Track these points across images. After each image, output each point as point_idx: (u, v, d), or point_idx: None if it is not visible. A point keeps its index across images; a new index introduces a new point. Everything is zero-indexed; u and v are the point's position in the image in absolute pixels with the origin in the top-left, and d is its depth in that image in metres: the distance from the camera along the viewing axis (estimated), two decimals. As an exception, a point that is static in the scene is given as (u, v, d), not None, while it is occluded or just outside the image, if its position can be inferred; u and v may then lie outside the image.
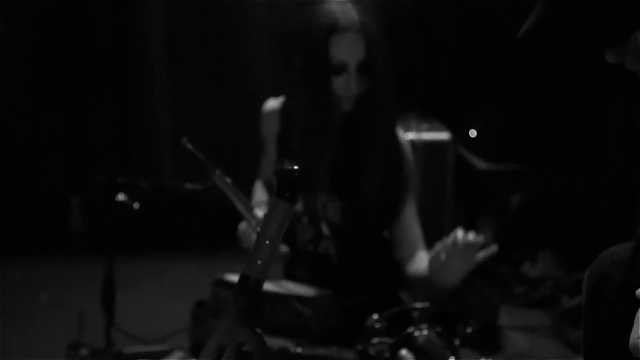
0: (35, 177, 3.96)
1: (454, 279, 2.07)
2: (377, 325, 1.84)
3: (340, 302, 2.08)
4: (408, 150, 2.26)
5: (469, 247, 2.03)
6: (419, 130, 3.43)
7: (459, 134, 3.55)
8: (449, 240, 2.03)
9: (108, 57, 4.05)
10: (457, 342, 1.86)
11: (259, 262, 1.22)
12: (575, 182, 3.45)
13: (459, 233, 2.02)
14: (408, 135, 3.46)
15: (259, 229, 2.05)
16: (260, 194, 2.34)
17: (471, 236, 2.04)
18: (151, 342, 2.52)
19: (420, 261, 2.21)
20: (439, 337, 1.84)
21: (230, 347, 1.22)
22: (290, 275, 2.31)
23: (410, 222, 2.27)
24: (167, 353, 2.41)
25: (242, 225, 2.14)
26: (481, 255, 2.05)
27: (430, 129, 3.47)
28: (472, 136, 3.64)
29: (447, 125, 3.56)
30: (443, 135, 3.42)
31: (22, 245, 3.73)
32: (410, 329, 1.84)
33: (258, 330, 1.72)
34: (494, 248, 2.06)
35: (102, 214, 2.35)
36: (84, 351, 2.37)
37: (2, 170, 3.92)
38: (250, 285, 1.21)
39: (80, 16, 4.04)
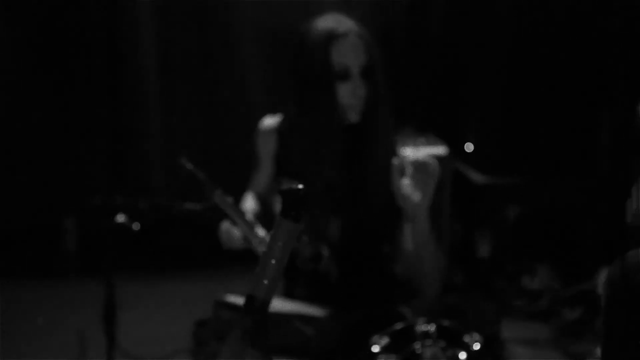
0: (29, 198, 3.93)
1: (420, 201, 2.03)
2: (381, 343, 1.83)
3: (341, 321, 2.07)
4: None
5: (422, 165, 2.02)
6: (415, 144, 3.44)
7: (456, 148, 3.56)
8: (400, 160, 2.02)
9: (103, 75, 4.03)
10: (462, 356, 1.85)
11: (265, 282, 1.22)
12: (572, 194, 3.46)
13: (408, 151, 2.04)
14: (405, 150, 3.47)
15: (261, 248, 2.07)
16: (249, 202, 2.32)
17: (420, 153, 2.04)
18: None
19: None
20: (444, 352, 1.83)
21: (237, 368, 1.22)
22: (290, 294, 2.30)
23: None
24: (168, 374, 2.41)
25: (224, 225, 2.12)
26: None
27: (426, 144, 3.47)
28: (468, 150, 3.65)
29: (443, 139, 3.57)
30: (439, 150, 3.42)
31: (17, 267, 3.71)
32: (415, 345, 1.83)
33: (266, 353, 1.73)
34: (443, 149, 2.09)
35: (100, 235, 2.34)
36: (84, 373, 2.36)
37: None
38: (256, 305, 1.21)
39: (74, 37, 4.03)
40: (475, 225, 3.71)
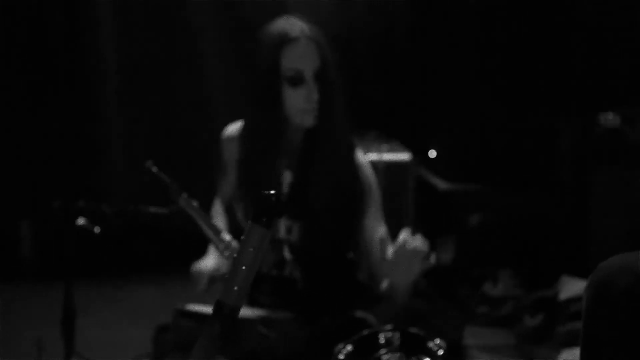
0: None
1: (402, 282, 2.04)
2: (345, 351, 1.83)
3: (306, 326, 2.07)
4: (366, 166, 2.24)
5: (415, 251, 1.99)
6: (379, 150, 3.45)
7: (419, 155, 3.58)
8: (398, 241, 1.99)
9: (66, 74, 3.96)
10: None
11: (235, 289, 1.20)
12: (533, 201, 3.50)
13: (405, 235, 1.98)
14: (369, 156, 3.48)
15: (227, 253, 2.06)
16: (218, 209, 2.32)
17: (417, 241, 1.99)
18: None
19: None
20: (409, 359, 1.83)
21: (205, 375, 1.20)
22: (253, 302, 2.28)
23: (376, 228, 2.23)
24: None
25: (195, 266, 2.11)
26: (424, 264, 2.00)
27: (390, 150, 3.49)
28: (432, 156, 3.68)
29: (407, 145, 3.59)
30: (403, 156, 3.44)
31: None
32: (380, 353, 1.83)
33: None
34: (432, 259, 2.02)
35: (60, 239, 2.31)
36: (42, 380, 2.32)
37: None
38: (225, 312, 1.20)
39: (34, 40, 3.96)
40: (438, 232, 3.73)
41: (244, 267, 1.21)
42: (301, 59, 2.07)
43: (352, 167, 2.21)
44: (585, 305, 1.27)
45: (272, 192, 1.21)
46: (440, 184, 3.50)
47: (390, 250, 2.02)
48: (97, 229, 2.22)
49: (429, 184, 3.56)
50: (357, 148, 2.24)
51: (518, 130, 3.47)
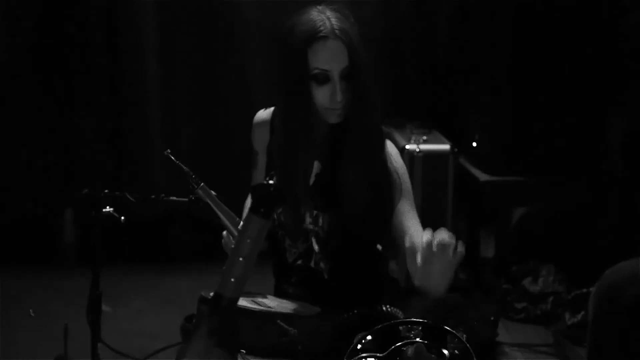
0: (32, 190, 3.93)
1: (440, 284, 1.93)
2: (364, 341, 1.81)
3: (326, 321, 2.05)
4: (396, 157, 2.21)
5: (443, 248, 1.87)
6: (418, 140, 3.41)
7: (461, 145, 3.53)
8: (420, 244, 1.87)
9: (100, 73, 4.01)
10: (446, 353, 1.82)
11: (233, 280, 1.20)
12: (579, 195, 3.42)
13: (427, 234, 1.85)
14: (409, 145, 3.44)
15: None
16: (249, 201, 2.32)
17: (442, 235, 1.86)
18: (138, 359, 2.50)
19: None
20: (428, 350, 1.80)
21: (203, 367, 1.20)
22: (280, 292, 2.29)
23: (414, 230, 2.19)
24: (157, 369, 2.39)
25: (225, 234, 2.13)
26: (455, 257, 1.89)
27: (430, 140, 3.45)
28: (473, 147, 3.62)
29: (447, 136, 3.54)
30: (444, 146, 3.40)
31: (16, 258, 3.71)
32: (399, 344, 1.80)
33: (239, 352, 1.70)
34: (461, 247, 1.88)
35: (87, 227, 2.33)
36: (68, 366, 2.35)
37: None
38: (223, 304, 1.20)
39: (75, 35, 4.00)
40: (480, 224, 3.68)
41: (241, 259, 1.20)
42: (328, 59, 2.03)
43: (381, 159, 2.18)
44: (593, 312, 1.24)
45: (270, 182, 1.19)
46: (482, 176, 3.44)
47: (418, 257, 1.93)
48: (122, 218, 2.25)
49: (470, 175, 3.50)
50: (386, 139, 2.22)
51: (565, 121, 3.38)
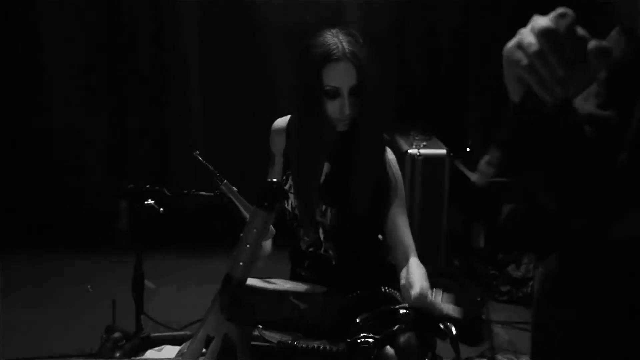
0: (95, 184, 3.95)
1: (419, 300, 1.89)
2: (366, 322, 1.79)
3: (333, 299, 2.04)
4: (393, 163, 2.21)
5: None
6: (419, 146, 3.39)
7: (456, 149, 3.50)
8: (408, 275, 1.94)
9: (147, 86, 3.98)
10: (434, 340, 1.80)
11: (241, 264, 1.19)
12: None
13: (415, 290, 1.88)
14: (410, 150, 3.42)
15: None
16: None
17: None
18: (175, 329, 2.51)
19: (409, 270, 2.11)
20: (418, 337, 1.78)
21: (216, 337, 1.20)
22: (295, 275, 2.29)
23: (403, 230, 2.22)
24: (188, 339, 2.39)
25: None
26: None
27: (430, 145, 3.43)
28: (466, 151, 3.59)
29: (444, 141, 3.52)
30: (441, 151, 3.37)
31: (80, 242, 3.74)
32: (394, 328, 1.78)
33: (257, 327, 1.69)
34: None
35: (133, 216, 2.35)
36: (117, 334, 2.36)
37: (65, 178, 3.93)
38: (232, 284, 1.19)
39: (125, 39, 3.95)
40: (472, 219, 3.65)
41: (248, 246, 1.20)
42: (339, 78, 2.04)
43: (381, 163, 2.18)
44: (536, 291, 1.21)
45: (273, 180, 1.19)
46: (474, 176, 3.40)
47: (403, 275, 1.97)
48: (161, 209, 2.26)
49: (463, 176, 3.47)
50: (386, 147, 2.22)
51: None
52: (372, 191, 2.14)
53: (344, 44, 2.06)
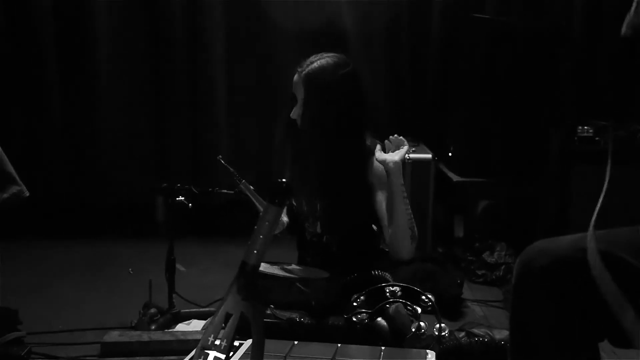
0: (137, 180, 3.87)
1: (392, 158, 2.07)
2: (359, 300, 1.78)
3: (333, 283, 2.03)
4: (377, 165, 2.17)
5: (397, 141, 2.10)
6: (409, 151, 3.36)
7: (439, 154, 3.48)
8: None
9: (183, 92, 3.85)
10: (419, 310, 1.79)
11: (255, 252, 1.18)
12: (527, 190, 3.36)
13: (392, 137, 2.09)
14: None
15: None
16: None
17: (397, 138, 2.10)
18: (202, 306, 2.50)
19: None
20: (405, 308, 1.77)
21: (234, 315, 1.18)
22: (302, 262, 2.28)
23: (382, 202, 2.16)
24: (212, 314, 2.38)
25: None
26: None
27: (417, 151, 3.41)
28: (448, 156, 3.57)
29: (430, 147, 3.50)
30: (427, 156, 3.36)
31: (123, 231, 3.73)
32: (384, 303, 1.77)
33: (269, 307, 1.67)
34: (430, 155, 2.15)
35: (167, 210, 2.34)
36: (153, 310, 2.36)
37: (111, 173, 3.88)
38: (247, 270, 1.18)
39: (161, 48, 3.77)
40: (453, 213, 3.63)
41: (261, 236, 1.18)
42: (294, 88, 2.10)
43: (357, 165, 2.14)
44: (514, 280, 1.20)
45: (283, 180, 1.17)
46: (455, 177, 3.39)
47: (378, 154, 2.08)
48: (190, 204, 2.26)
49: (446, 177, 3.45)
50: (371, 153, 2.18)
51: (516, 136, 3.33)
52: (346, 188, 2.12)
53: (312, 60, 2.06)
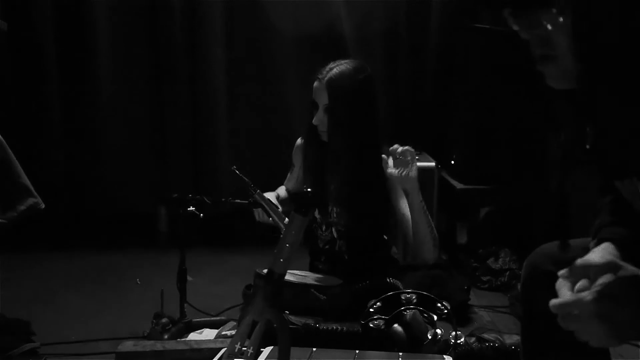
0: (137, 191, 3.88)
1: (410, 177, 2.05)
2: (375, 307, 1.79)
3: (347, 290, 2.04)
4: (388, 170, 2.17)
5: (404, 154, 2.05)
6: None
7: (442, 162, 3.50)
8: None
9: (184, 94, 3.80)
10: (435, 318, 1.80)
11: (281, 261, 1.19)
12: (527, 197, 3.38)
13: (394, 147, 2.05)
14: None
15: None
16: (281, 190, 2.33)
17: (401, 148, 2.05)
18: (213, 315, 2.50)
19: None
20: (422, 315, 1.78)
21: (260, 322, 1.19)
22: (314, 268, 2.28)
23: (404, 211, 2.16)
24: (224, 323, 2.39)
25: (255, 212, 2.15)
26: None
27: (421, 159, 3.42)
28: (451, 164, 3.59)
29: (433, 156, 3.52)
30: (430, 164, 3.38)
31: (126, 241, 3.71)
32: (400, 309, 1.78)
33: (284, 312, 1.69)
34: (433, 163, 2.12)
35: (177, 220, 2.34)
36: (164, 320, 2.36)
37: (115, 185, 3.87)
38: (274, 278, 1.19)
39: (160, 42, 3.71)
40: (456, 220, 3.64)
41: (287, 245, 1.19)
42: (316, 94, 2.09)
43: (377, 172, 2.14)
44: (522, 281, 1.22)
45: (308, 190, 1.19)
46: (458, 185, 3.41)
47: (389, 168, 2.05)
48: (201, 214, 2.26)
49: (449, 185, 3.47)
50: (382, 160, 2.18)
51: (516, 146, 3.36)
52: (365, 197, 2.13)
53: (334, 68, 2.07)
